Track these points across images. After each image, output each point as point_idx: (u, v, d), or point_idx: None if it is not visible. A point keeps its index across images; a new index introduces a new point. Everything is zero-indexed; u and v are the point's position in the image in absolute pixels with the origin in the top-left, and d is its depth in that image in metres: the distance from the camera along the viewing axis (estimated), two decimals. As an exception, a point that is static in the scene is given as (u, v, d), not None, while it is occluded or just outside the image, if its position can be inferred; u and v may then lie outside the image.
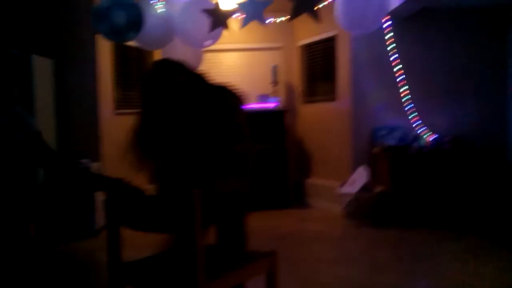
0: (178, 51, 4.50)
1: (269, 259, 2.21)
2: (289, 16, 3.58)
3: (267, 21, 3.68)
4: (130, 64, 5.68)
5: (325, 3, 4.16)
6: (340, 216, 5.12)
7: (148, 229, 2.02)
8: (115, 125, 5.29)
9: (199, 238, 1.79)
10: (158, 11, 3.95)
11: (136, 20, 3.55)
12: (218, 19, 3.59)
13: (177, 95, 2.06)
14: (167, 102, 2.05)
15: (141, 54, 5.68)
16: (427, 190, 4.72)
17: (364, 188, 4.86)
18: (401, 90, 5.03)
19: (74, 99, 5.21)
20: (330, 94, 5.70)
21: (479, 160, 4.85)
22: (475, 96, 5.28)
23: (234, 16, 3.75)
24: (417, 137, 5.03)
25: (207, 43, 4.00)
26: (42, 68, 4.78)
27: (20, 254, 2.02)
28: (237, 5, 3.60)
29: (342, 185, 5.11)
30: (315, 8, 3.27)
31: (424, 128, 5.02)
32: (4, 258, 1.97)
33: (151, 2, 3.95)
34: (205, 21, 3.67)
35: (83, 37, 5.08)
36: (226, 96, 2.22)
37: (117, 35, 3.62)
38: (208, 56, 6.04)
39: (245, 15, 3.58)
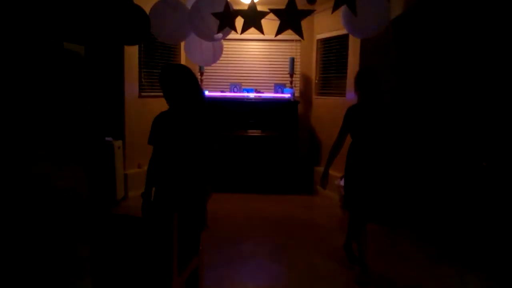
0: (198, 42, 4.85)
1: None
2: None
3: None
4: (155, 51, 6.10)
5: None
6: (338, 206, 5.47)
7: None
8: (139, 107, 5.79)
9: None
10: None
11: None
12: (226, 21, 3.92)
13: None
14: None
15: (165, 44, 6.08)
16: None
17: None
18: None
19: (103, 82, 5.72)
20: (341, 89, 5.96)
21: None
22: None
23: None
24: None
25: (217, 36, 4.34)
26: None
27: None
28: (270, 11, 3.92)
29: (342, 177, 5.41)
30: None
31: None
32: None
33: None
34: (213, 19, 4.01)
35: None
36: None
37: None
38: (229, 44, 6.42)
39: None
